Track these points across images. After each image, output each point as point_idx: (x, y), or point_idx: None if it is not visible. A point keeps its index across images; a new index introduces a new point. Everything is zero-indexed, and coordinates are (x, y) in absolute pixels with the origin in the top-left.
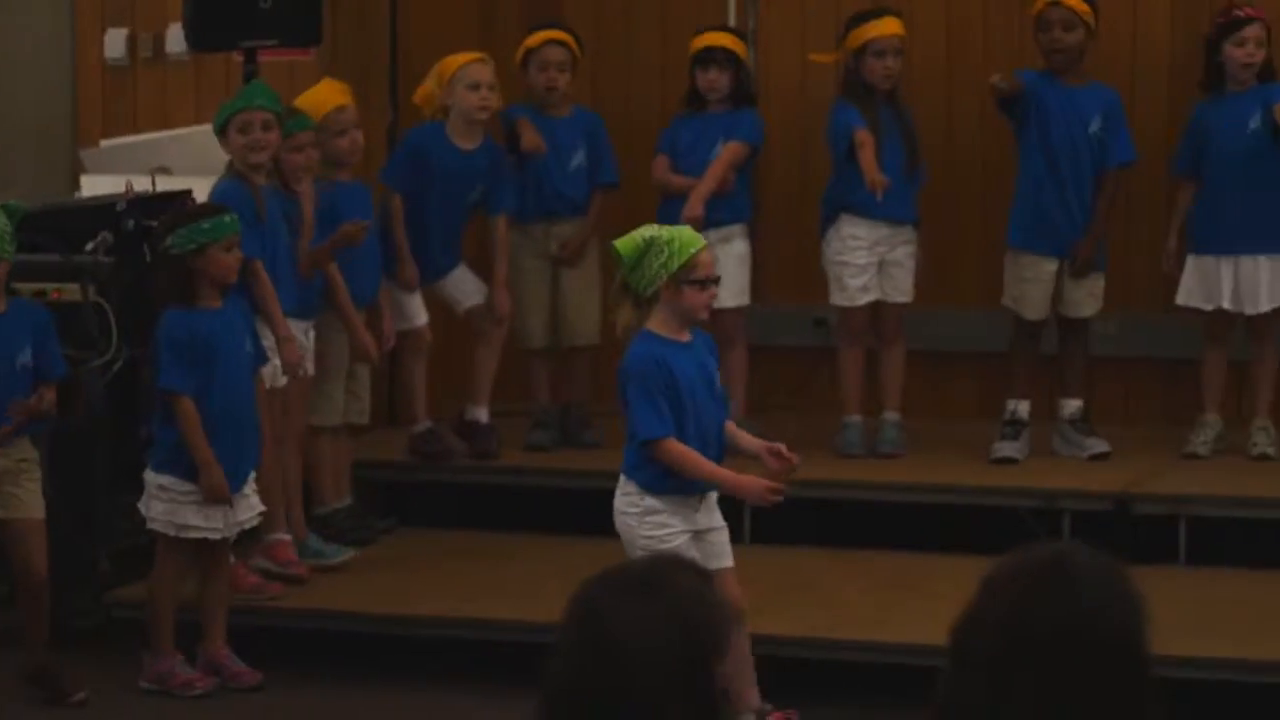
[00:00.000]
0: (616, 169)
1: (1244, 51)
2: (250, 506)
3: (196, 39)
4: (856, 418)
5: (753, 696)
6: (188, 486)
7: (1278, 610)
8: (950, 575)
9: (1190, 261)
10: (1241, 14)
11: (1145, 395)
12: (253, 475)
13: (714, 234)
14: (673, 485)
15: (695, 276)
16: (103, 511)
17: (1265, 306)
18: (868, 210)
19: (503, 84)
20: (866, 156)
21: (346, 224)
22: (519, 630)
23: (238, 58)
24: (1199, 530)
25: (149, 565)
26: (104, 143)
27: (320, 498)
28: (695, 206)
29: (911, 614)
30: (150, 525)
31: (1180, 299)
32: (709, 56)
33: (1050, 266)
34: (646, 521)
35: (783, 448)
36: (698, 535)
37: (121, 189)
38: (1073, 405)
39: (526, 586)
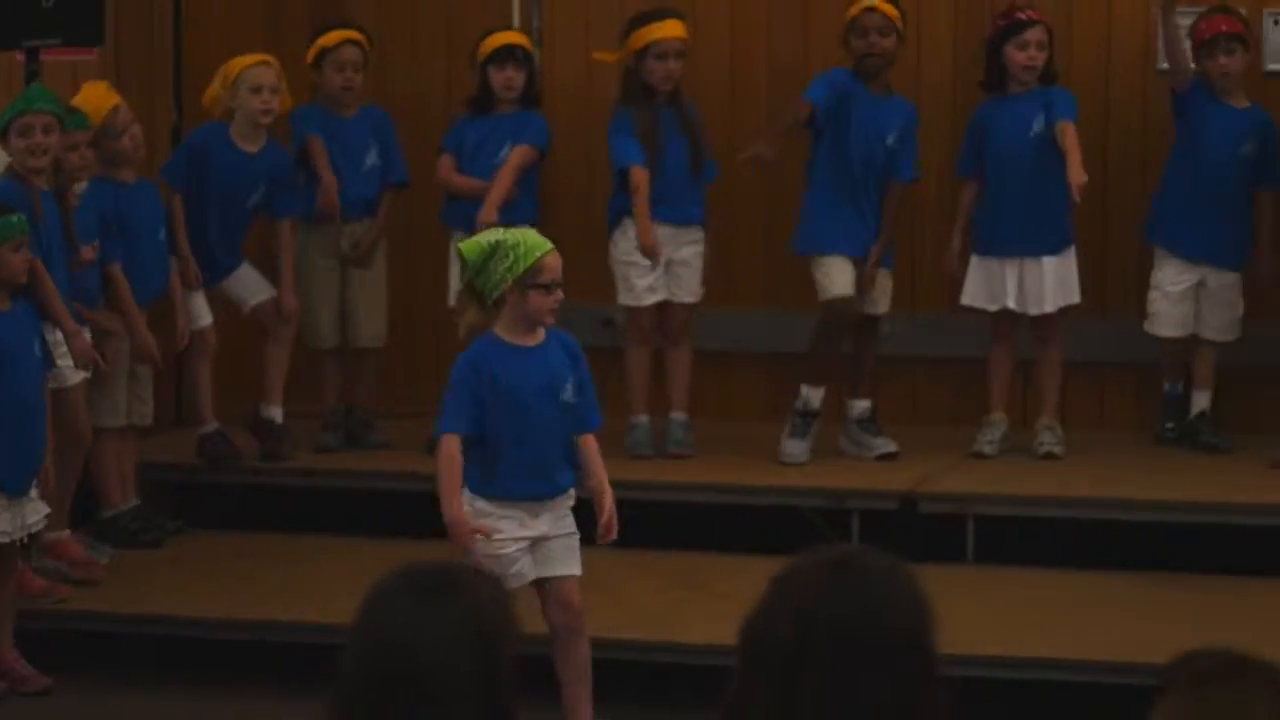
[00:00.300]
0: (406, 168)
1: (1025, 55)
2: (37, 510)
3: None
4: (644, 418)
5: (586, 714)
6: None
7: (1063, 608)
8: (739, 575)
9: (974, 262)
10: (1023, 16)
11: (932, 395)
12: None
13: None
14: (495, 489)
15: (541, 280)
16: None
17: (1049, 307)
18: (654, 211)
19: (290, 83)
20: (640, 205)
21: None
22: (309, 632)
23: (19, 57)
24: (985, 529)
25: None
26: None
27: (106, 500)
28: (490, 212)
29: (701, 613)
30: None
31: (965, 299)
32: (508, 55)
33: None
34: (476, 523)
35: (610, 528)
36: (537, 542)
37: None
38: (861, 405)
39: (316, 588)
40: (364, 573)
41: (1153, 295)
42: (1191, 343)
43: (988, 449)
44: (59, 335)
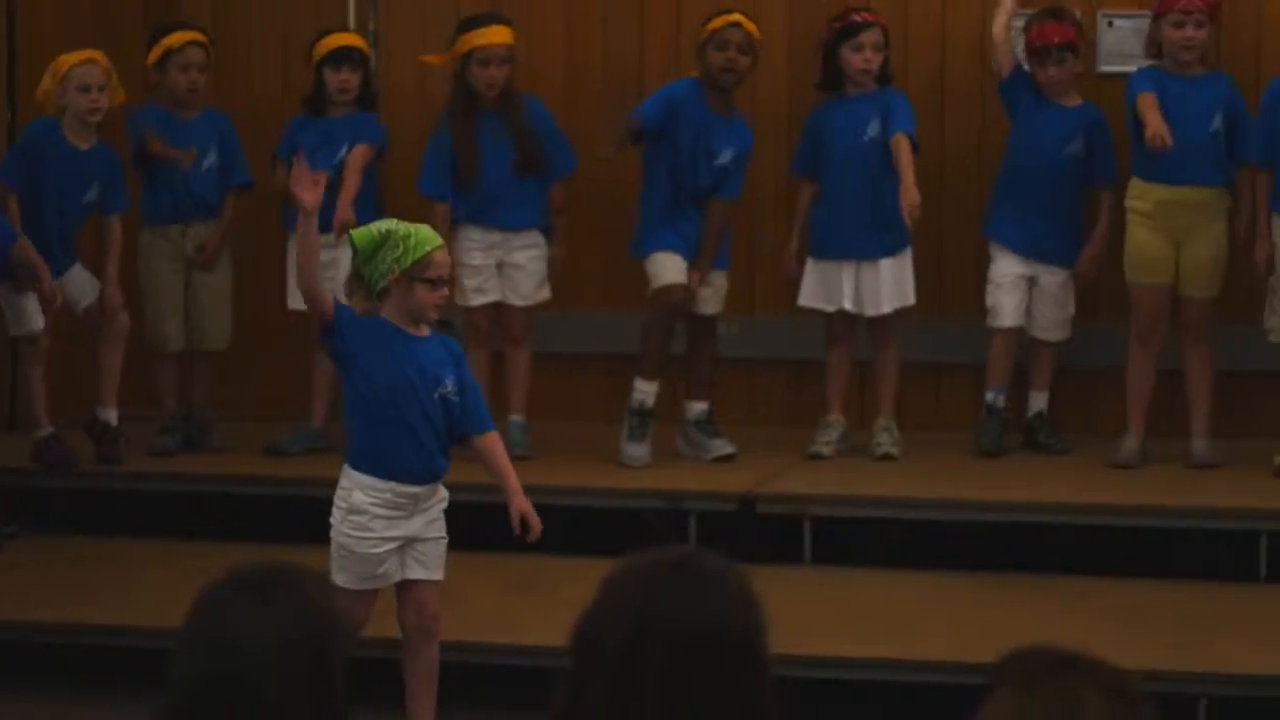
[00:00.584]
0: (248, 169)
1: (861, 57)
2: None
3: None
4: None
5: (428, 718)
6: None
7: (901, 609)
8: (578, 577)
9: (811, 263)
10: (858, 19)
11: (769, 396)
12: None
13: (339, 237)
14: (380, 469)
15: (428, 275)
16: None
17: (885, 308)
18: (482, 216)
19: (125, 80)
20: (442, 231)
21: None
22: (144, 635)
23: None
24: (823, 530)
25: None
26: None
27: None
28: (345, 209)
29: (540, 616)
30: None
31: (802, 300)
32: (345, 56)
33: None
34: (349, 520)
35: (529, 522)
36: (406, 544)
37: None
38: (698, 407)
39: (151, 592)
40: (198, 576)
41: (990, 289)
42: (1024, 342)
43: (825, 450)
44: None
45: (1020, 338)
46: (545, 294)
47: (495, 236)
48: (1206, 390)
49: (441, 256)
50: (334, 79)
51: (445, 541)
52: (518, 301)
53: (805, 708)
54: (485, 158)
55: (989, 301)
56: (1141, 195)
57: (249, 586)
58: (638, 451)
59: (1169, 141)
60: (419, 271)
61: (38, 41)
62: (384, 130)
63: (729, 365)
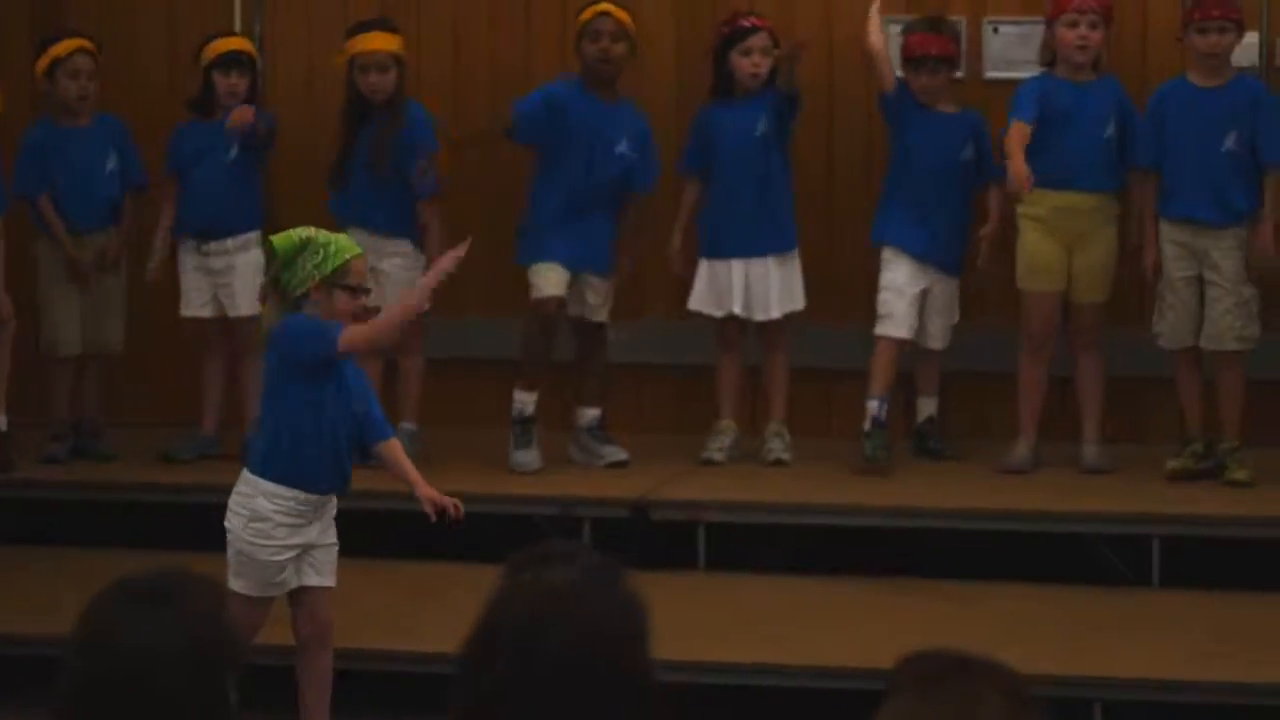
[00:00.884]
0: (145, 171)
1: (749, 62)
2: None
3: None
4: None
5: None
6: None
7: (794, 614)
8: (471, 583)
9: (701, 268)
10: (745, 24)
11: (660, 402)
12: None
13: (232, 242)
14: (296, 479)
15: (348, 282)
16: None
17: (774, 313)
18: (360, 220)
19: (13, 93)
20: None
21: None
22: (34, 644)
23: None
24: (716, 536)
25: None
26: None
27: None
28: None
29: (434, 622)
30: None
31: (692, 305)
32: (234, 60)
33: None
34: (250, 527)
35: (446, 506)
36: (304, 551)
37: None
38: (590, 414)
39: (42, 599)
40: (90, 584)
41: (885, 296)
42: (905, 351)
43: (717, 456)
44: None
45: (903, 347)
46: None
47: (372, 240)
48: (1097, 395)
49: (360, 264)
50: (223, 83)
51: (336, 548)
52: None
53: (700, 714)
54: (358, 161)
55: (883, 310)
56: (1035, 201)
57: (140, 593)
58: (526, 458)
59: (1027, 188)
60: (339, 278)
61: None
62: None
63: (619, 371)
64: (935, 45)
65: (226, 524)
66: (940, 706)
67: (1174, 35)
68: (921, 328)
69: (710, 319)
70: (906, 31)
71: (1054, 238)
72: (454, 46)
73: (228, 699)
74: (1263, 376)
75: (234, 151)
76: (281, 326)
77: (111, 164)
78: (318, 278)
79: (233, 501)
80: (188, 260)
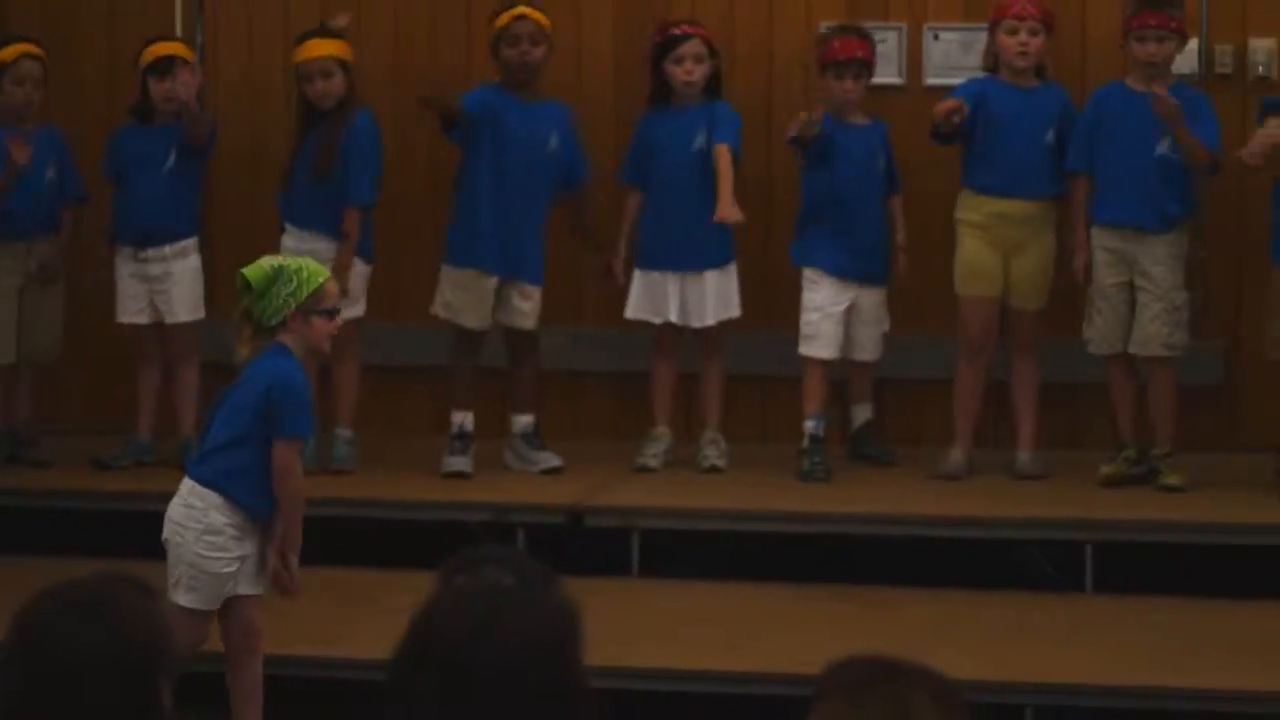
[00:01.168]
0: (83, 184)
1: (683, 69)
2: None
3: None
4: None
5: None
6: None
7: (728, 621)
8: (404, 589)
9: (638, 275)
10: (677, 31)
11: (594, 409)
12: None
13: (170, 249)
14: (248, 499)
15: (323, 306)
16: None
17: (710, 320)
18: (303, 223)
19: None
20: None
21: None
22: None
23: None
24: (651, 542)
25: None
26: None
27: None
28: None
29: (369, 629)
30: None
31: (629, 312)
32: (168, 65)
33: (489, 282)
34: (204, 540)
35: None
36: (243, 561)
37: None
38: (524, 421)
39: None
40: (20, 590)
41: (809, 317)
42: (839, 365)
43: (652, 462)
44: None
45: (831, 365)
46: (359, 310)
47: (310, 245)
48: (1032, 402)
49: (333, 287)
50: (158, 88)
51: (267, 555)
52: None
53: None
54: (303, 163)
55: (807, 330)
56: (974, 207)
57: (70, 599)
58: (460, 464)
59: (964, 111)
60: (315, 304)
61: None
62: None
63: (554, 377)
64: (860, 49)
65: (174, 539)
66: (870, 713)
67: (1114, 42)
68: (851, 339)
69: (647, 325)
70: (826, 37)
71: (991, 244)
72: (394, 48)
73: (161, 704)
74: (1196, 382)
75: (172, 158)
76: (286, 376)
77: (51, 174)
78: (293, 305)
79: (179, 516)
80: (124, 267)
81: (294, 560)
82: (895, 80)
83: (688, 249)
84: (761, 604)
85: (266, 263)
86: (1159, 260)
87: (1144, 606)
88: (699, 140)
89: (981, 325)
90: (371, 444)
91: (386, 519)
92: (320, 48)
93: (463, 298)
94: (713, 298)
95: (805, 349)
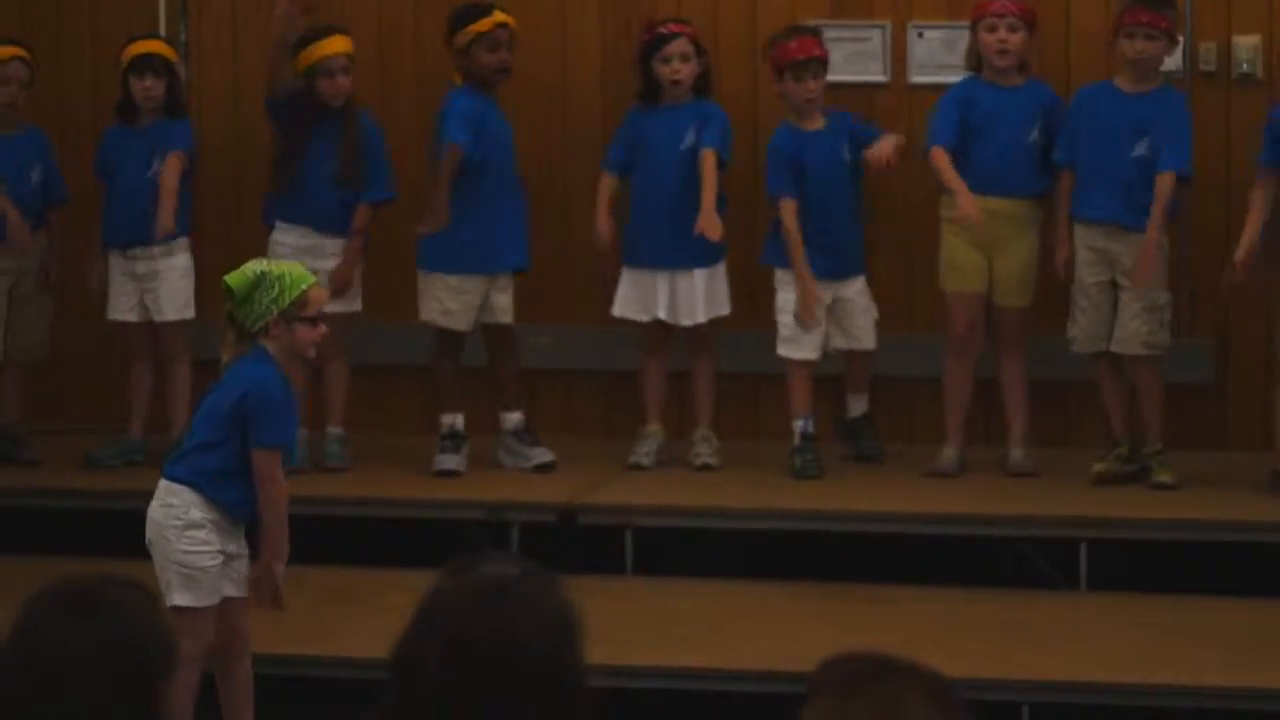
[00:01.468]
0: (66, 188)
1: (670, 68)
2: None
3: None
4: (301, 432)
5: None
6: None
7: (722, 618)
8: (397, 588)
9: (626, 272)
10: (664, 30)
11: (586, 407)
12: None
13: (159, 248)
14: (226, 498)
15: (306, 313)
16: None
17: (700, 317)
18: (300, 219)
19: None
20: None
21: None
22: None
23: None
24: (644, 540)
25: None
26: None
27: None
28: (167, 220)
29: (361, 628)
30: None
31: (616, 310)
32: (146, 64)
33: (479, 283)
34: (186, 536)
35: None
36: (228, 559)
37: None
38: (513, 418)
39: None
40: (15, 590)
41: (786, 320)
42: (836, 358)
43: (644, 460)
44: None
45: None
46: (356, 305)
47: (313, 240)
48: (1022, 399)
49: (317, 293)
50: (138, 87)
51: (247, 557)
52: (337, 309)
53: (626, 718)
54: (310, 160)
55: (784, 332)
56: (956, 205)
57: (67, 602)
58: (452, 462)
59: (979, 219)
60: (297, 310)
61: None
62: (191, 134)
63: (544, 376)
64: (817, 47)
65: (157, 540)
66: (862, 709)
67: (1098, 40)
68: (845, 333)
69: (636, 323)
70: (780, 40)
71: (974, 241)
72: (379, 51)
73: (160, 709)
74: (1187, 380)
75: (157, 162)
76: (263, 383)
77: (37, 176)
78: (275, 312)
79: (160, 516)
80: (114, 265)
81: (278, 569)
82: (880, 78)
83: (677, 246)
84: (755, 602)
85: (250, 268)
86: None
87: (1138, 604)
88: (689, 139)
89: (967, 320)
90: (363, 443)
91: (379, 517)
92: (340, 44)
93: (461, 302)
94: (702, 295)
95: (784, 351)
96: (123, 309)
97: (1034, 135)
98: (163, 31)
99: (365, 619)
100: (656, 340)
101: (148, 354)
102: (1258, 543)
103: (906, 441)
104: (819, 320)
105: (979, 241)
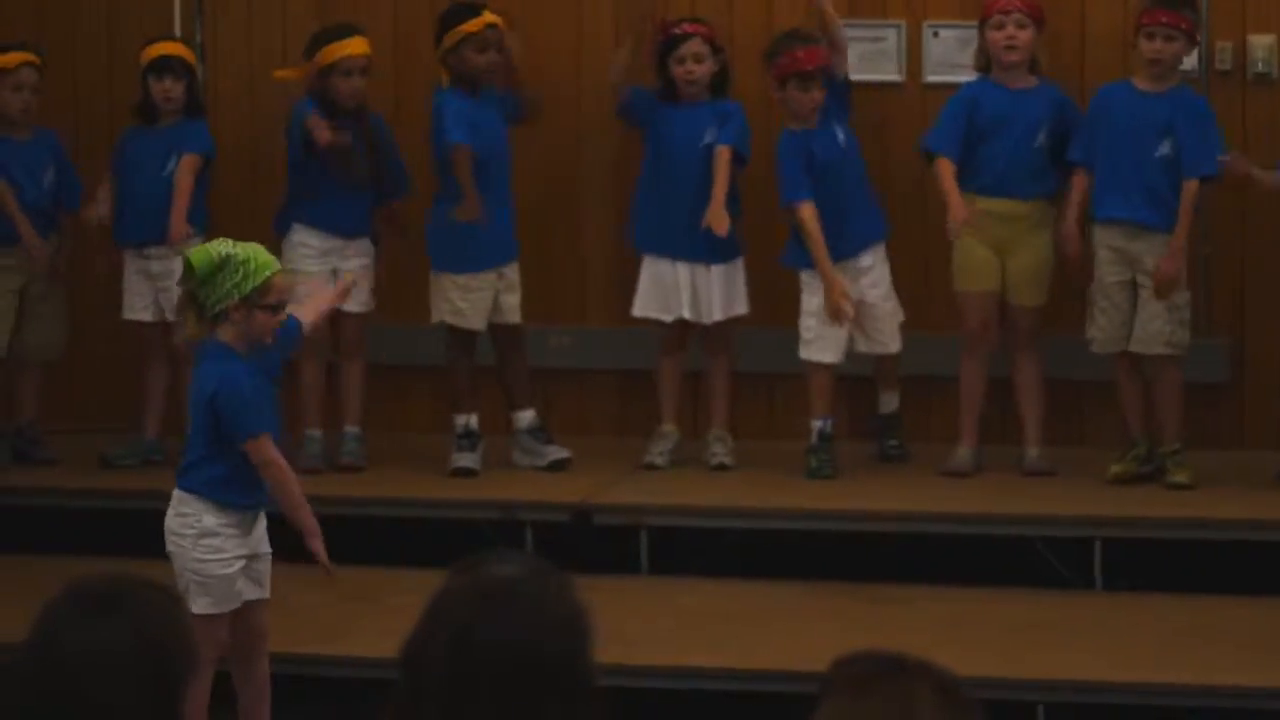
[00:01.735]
0: (79, 193)
1: (684, 69)
2: None
3: None
4: (317, 431)
5: None
6: None
7: (737, 618)
8: (412, 588)
9: (646, 265)
10: (677, 31)
11: (602, 406)
12: None
13: (174, 248)
14: (237, 499)
15: (268, 301)
16: None
17: (718, 315)
18: (318, 221)
19: None
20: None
21: None
22: None
23: None
24: (659, 540)
25: None
26: None
27: None
28: (179, 226)
29: (374, 627)
30: None
31: (636, 310)
32: (165, 65)
33: (488, 279)
34: (201, 544)
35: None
36: (249, 561)
37: None
38: (525, 417)
39: None
40: (34, 590)
41: (808, 322)
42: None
43: (659, 460)
44: None
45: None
46: (372, 304)
47: (334, 242)
48: (1037, 398)
49: (281, 280)
50: (157, 88)
51: (271, 556)
52: (354, 309)
53: (642, 718)
54: (327, 165)
55: (806, 334)
56: (965, 205)
57: (89, 602)
58: (467, 461)
59: (970, 222)
60: (259, 298)
61: None
62: (209, 136)
63: (560, 375)
64: (821, 56)
65: (174, 549)
66: (875, 708)
67: (1113, 41)
68: (869, 336)
69: (652, 323)
70: (785, 49)
71: (984, 241)
72: (394, 51)
73: (180, 708)
74: (1202, 380)
75: (173, 162)
76: (226, 381)
77: (50, 177)
78: (236, 297)
79: (175, 525)
80: (129, 264)
81: (318, 546)
82: (895, 78)
83: (695, 243)
84: (770, 601)
85: (214, 249)
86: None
87: (1153, 603)
88: (708, 136)
89: (980, 319)
90: (377, 443)
91: (394, 517)
92: (358, 45)
93: (471, 300)
94: (719, 293)
95: (805, 353)
96: (138, 308)
97: (1043, 137)
98: (178, 29)
99: (380, 618)
100: (673, 340)
101: (163, 353)
102: (1273, 542)
103: (922, 440)
104: (849, 314)
105: (991, 241)
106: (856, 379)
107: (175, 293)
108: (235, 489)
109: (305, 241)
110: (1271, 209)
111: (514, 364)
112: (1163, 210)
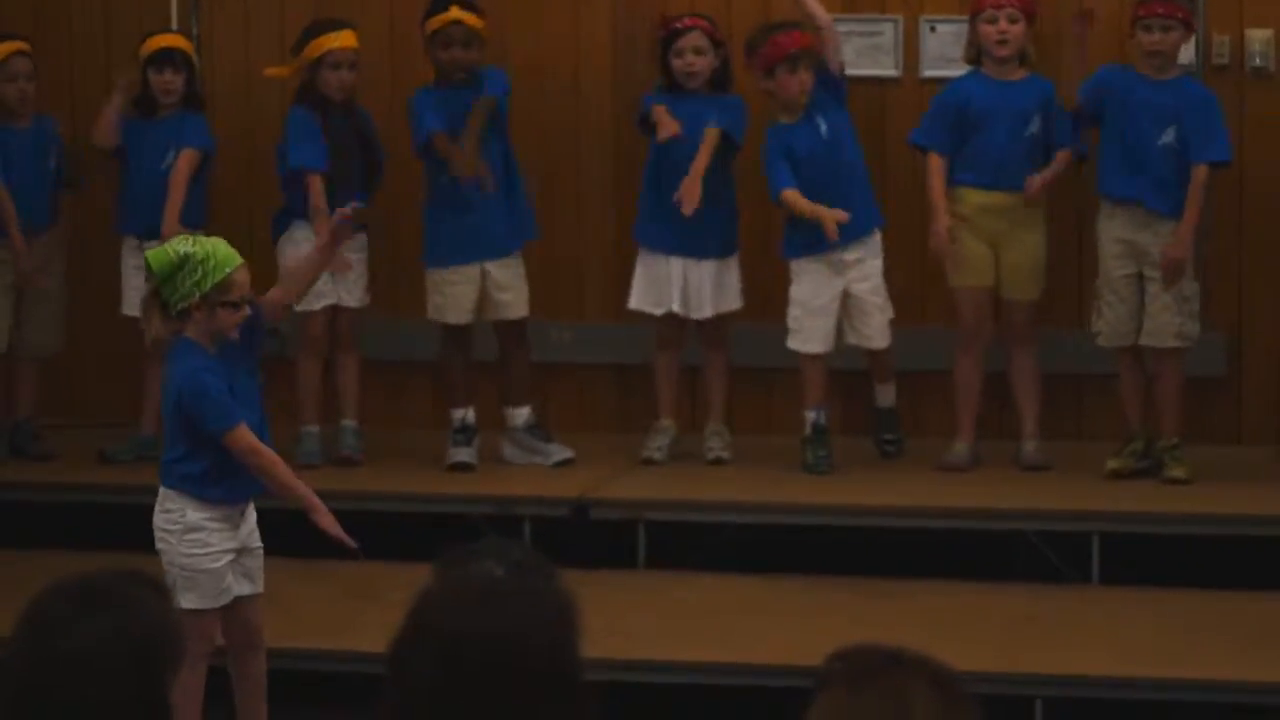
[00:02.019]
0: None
1: (683, 62)
2: None
3: None
4: (314, 427)
5: None
6: None
7: (734, 612)
8: (408, 584)
9: (641, 260)
10: (678, 25)
11: (599, 401)
12: None
13: None
14: (219, 494)
15: (229, 298)
16: None
17: (708, 311)
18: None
19: None
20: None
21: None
22: None
23: None
24: (657, 534)
25: None
26: None
27: None
28: (172, 223)
29: (373, 622)
30: None
31: (632, 303)
32: (166, 58)
33: (471, 272)
34: (186, 540)
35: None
36: (238, 556)
37: None
38: (521, 413)
39: None
40: (27, 584)
41: (794, 312)
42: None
43: (657, 455)
44: None
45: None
46: (367, 297)
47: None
48: (1033, 392)
49: (241, 276)
50: (157, 80)
51: (262, 551)
52: (350, 303)
53: (639, 712)
54: (336, 159)
55: (793, 325)
56: (959, 199)
57: (78, 598)
58: (465, 455)
59: (954, 240)
60: (220, 295)
61: None
62: (208, 130)
63: (558, 370)
64: (805, 38)
65: (162, 546)
66: (870, 701)
67: (1108, 32)
68: (856, 330)
69: (649, 317)
70: (767, 37)
71: (978, 235)
72: (390, 48)
73: (167, 700)
74: (1200, 374)
75: (173, 154)
76: (189, 380)
77: (52, 163)
78: (197, 295)
79: (161, 522)
80: (129, 259)
81: (327, 522)
82: (892, 73)
83: (690, 238)
84: (767, 595)
85: (173, 249)
86: None
87: (1150, 598)
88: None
89: (974, 315)
90: (375, 438)
91: (391, 511)
92: (347, 39)
93: (448, 294)
94: (712, 288)
95: (792, 343)
96: (136, 304)
97: (1034, 129)
98: (174, 22)
99: (377, 613)
100: (669, 335)
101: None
102: (1270, 537)
103: (919, 435)
104: (842, 218)
105: (985, 236)
106: (852, 373)
107: None
108: (217, 484)
109: (307, 238)
110: (1269, 204)
111: (512, 360)
112: (1170, 198)
